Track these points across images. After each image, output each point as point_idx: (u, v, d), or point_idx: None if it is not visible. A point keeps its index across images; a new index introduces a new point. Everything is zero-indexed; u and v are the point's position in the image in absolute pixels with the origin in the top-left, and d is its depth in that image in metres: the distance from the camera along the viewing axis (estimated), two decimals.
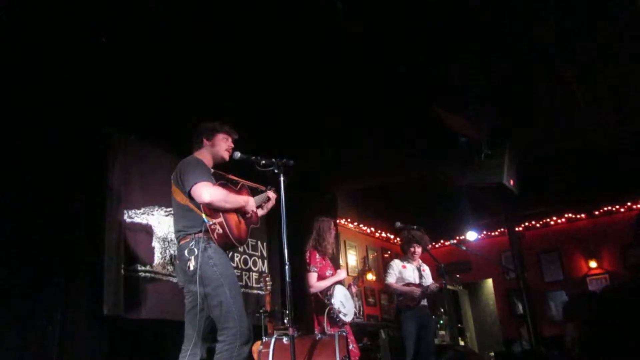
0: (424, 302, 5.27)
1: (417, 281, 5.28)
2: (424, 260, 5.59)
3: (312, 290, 4.43)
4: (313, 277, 4.44)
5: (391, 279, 5.33)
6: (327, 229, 4.64)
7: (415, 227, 5.31)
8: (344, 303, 4.38)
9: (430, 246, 5.56)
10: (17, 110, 3.72)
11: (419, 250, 5.41)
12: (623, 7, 4.02)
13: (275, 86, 4.70)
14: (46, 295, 3.61)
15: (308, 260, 4.54)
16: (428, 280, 5.35)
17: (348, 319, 4.34)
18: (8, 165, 3.58)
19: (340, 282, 4.51)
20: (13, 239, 3.50)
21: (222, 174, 3.30)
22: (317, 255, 4.53)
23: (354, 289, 4.79)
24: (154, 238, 4.61)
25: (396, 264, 5.45)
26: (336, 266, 4.84)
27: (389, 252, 9.57)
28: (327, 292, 4.34)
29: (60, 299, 3.67)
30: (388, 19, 3.98)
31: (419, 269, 5.39)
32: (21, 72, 3.74)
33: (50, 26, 3.56)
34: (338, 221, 7.28)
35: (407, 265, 5.39)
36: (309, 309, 4.51)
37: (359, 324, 7.22)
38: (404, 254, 5.56)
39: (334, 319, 4.25)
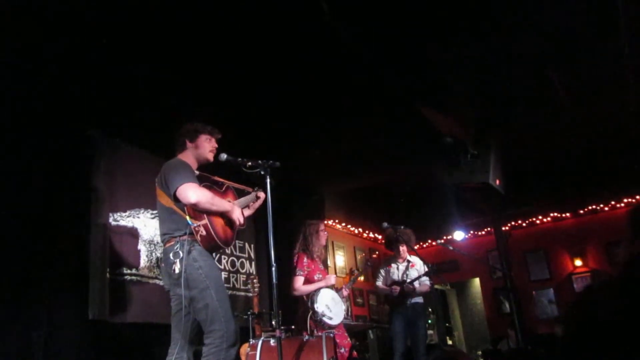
0: (417, 300, 5.28)
1: (400, 278, 5.31)
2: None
3: (295, 293, 4.48)
4: (297, 280, 4.47)
5: (379, 281, 5.42)
6: (315, 232, 4.64)
7: (402, 227, 5.33)
8: (331, 307, 4.36)
9: (417, 246, 5.61)
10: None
11: (404, 248, 5.46)
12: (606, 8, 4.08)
13: (261, 87, 4.68)
14: (30, 300, 3.56)
15: (295, 264, 4.55)
16: (414, 275, 5.35)
17: (334, 322, 4.32)
18: None
19: (327, 287, 4.48)
20: None
21: (207, 175, 3.29)
22: (305, 259, 4.54)
23: (345, 293, 4.79)
24: (139, 241, 4.58)
25: (384, 268, 5.55)
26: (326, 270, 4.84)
27: (377, 253, 9.58)
28: (311, 297, 4.35)
29: (45, 304, 3.63)
30: (373, 18, 3.99)
31: (406, 266, 5.40)
32: (3, 72, 3.70)
33: (35, 27, 3.52)
34: (326, 222, 7.28)
35: (393, 264, 5.45)
36: (301, 311, 4.52)
37: (347, 325, 7.22)
38: (393, 253, 5.62)
39: (319, 322, 4.26)
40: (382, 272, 5.54)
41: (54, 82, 3.96)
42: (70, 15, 3.47)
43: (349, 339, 4.50)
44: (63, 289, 3.80)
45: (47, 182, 3.86)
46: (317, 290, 4.37)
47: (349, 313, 8.41)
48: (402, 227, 5.34)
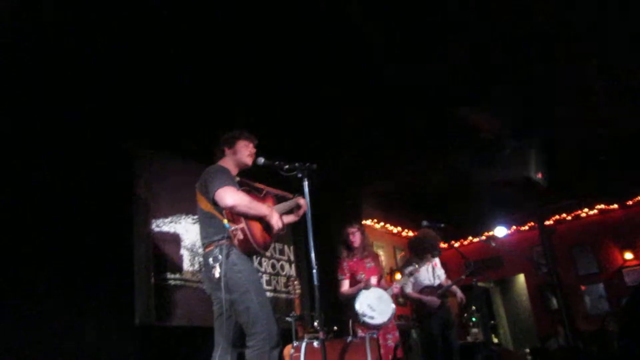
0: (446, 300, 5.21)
1: (432, 281, 5.14)
2: (452, 257, 5.38)
3: (341, 298, 4.62)
4: (341, 285, 4.63)
5: (408, 288, 5.15)
6: (346, 236, 4.74)
7: (442, 224, 5.23)
8: (374, 306, 4.31)
9: (458, 243, 5.43)
10: (42, 127, 3.81)
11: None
12: None
13: (296, 92, 4.71)
14: (79, 308, 3.68)
15: (338, 271, 4.69)
16: (441, 275, 5.22)
17: (377, 321, 4.25)
18: (39, 181, 3.68)
19: (368, 287, 4.42)
20: (44, 253, 3.58)
21: (248, 182, 3.29)
22: (345, 263, 4.66)
23: (395, 290, 4.69)
24: (182, 246, 4.67)
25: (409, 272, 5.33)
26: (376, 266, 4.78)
27: (403, 252, 9.45)
28: (352, 299, 4.35)
29: (93, 311, 3.74)
30: (406, 18, 3.97)
31: (432, 267, 5.23)
32: (45, 87, 3.83)
33: (79, 40, 3.64)
34: (364, 222, 7.23)
35: (421, 268, 5.24)
36: (347, 313, 4.51)
37: None
38: (416, 257, 5.27)
39: (363, 323, 4.23)
40: (409, 279, 5.23)
41: (94, 95, 4.08)
42: (108, 26, 3.57)
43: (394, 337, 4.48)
44: (110, 296, 3.90)
45: (91, 191, 3.98)
46: (359, 291, 4.36)
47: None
48: (442, 224, 5.23)
